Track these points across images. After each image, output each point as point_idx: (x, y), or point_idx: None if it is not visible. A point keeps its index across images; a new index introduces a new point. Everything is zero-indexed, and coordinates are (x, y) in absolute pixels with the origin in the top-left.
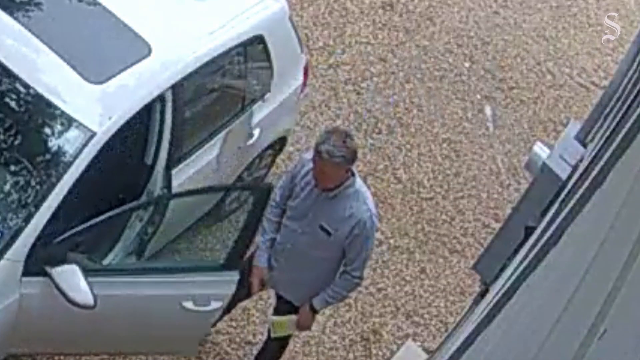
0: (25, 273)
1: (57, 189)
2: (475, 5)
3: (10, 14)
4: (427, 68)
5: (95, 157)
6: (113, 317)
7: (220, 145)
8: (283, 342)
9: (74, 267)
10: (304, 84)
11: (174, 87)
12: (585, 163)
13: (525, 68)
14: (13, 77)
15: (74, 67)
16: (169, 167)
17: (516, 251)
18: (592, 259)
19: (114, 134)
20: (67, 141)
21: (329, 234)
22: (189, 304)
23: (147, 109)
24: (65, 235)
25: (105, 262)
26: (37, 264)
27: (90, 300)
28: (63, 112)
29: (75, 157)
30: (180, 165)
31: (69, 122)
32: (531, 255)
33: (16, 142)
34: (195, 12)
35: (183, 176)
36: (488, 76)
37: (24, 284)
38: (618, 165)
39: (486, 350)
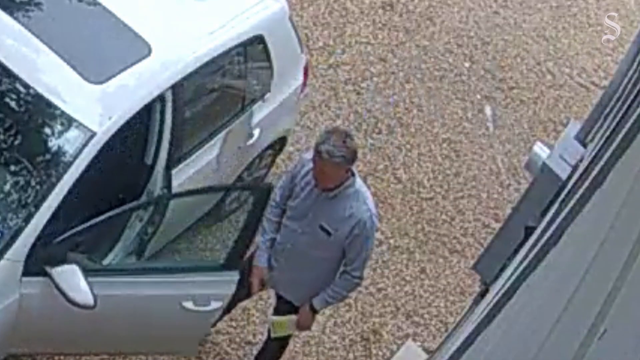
0: (25, 273)
1: (57, 189)
2: (475, 5)
3: (10, 14)
4: (427, 68)
5: (95, 157)
6: (113, 317)
7: (220, 145)
8: (283, 342)
9: (74, 267)
10: (304, 84)
11: (174, 87)
12: (585, 163)
13: (525, 68)
14: (13, 77)
15: (74, 67)
16: (169, 167)
17: (516, 251)
18: (592, 259)
19: (114, 134)
20: (67, 141)
21: (329, 234)
22: (189, 304)
23: (147, 109)
24: (65, 235)
25: (105, 262)
26: (37, 264)
27: (90, 300)
28: (63, 112)
29: (75, 157)
30: (180, 165)
31: (69, 122)
32: (531, 255)
33: (16, 142)
34: (195, 12)
35: (183, 176)
36: (488, 76)
37: (24, 284)
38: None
39: (486, 350)
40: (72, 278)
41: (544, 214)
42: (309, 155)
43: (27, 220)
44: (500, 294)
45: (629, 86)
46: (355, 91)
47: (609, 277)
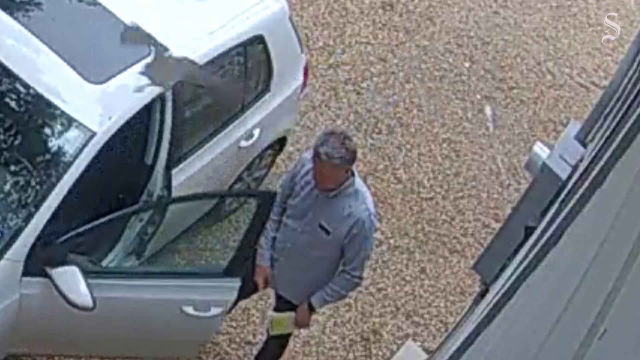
0: (25, 273)
1: (57, 189)
2: (475, 5)
3: (10, 14)
4: (427, 68)
5: (95, 157)
6: (113, 319)
7: (220, 145)
8: (283, 341)
9: (74, 269)
10: (304, 84)
11: (174, 87)
12: (585, 163)
13: (525, 68)
14: (13, 77)
15: (74, 67)
16: (169, 167)
17: (516, 251)
18: (592, 259)
19: (114, 134)
20: (67, 141)
21: (328, 233)
22: (189, 309)
23: (147, 109)
24: (66, 236)
25: (105, 262)
26: (37, 264)
27: (89, 302)
28: (63, 112)
29: (75, 157)
30: (180, 165)
31: (69, 122)
32: (531, 255)
33: (16, 142)
34: (195, 12)
35: (183, 176)
36: (488, 76)
37: (24, 284)
38: (618, 165)
39: (486, 350)
40: (72, 280)
41: (544, 214)
42: (309, 154)
43: (27, 220)
44: (500, 294)
45: (629, 86)
46: (355, 91)
47: (609, 277)
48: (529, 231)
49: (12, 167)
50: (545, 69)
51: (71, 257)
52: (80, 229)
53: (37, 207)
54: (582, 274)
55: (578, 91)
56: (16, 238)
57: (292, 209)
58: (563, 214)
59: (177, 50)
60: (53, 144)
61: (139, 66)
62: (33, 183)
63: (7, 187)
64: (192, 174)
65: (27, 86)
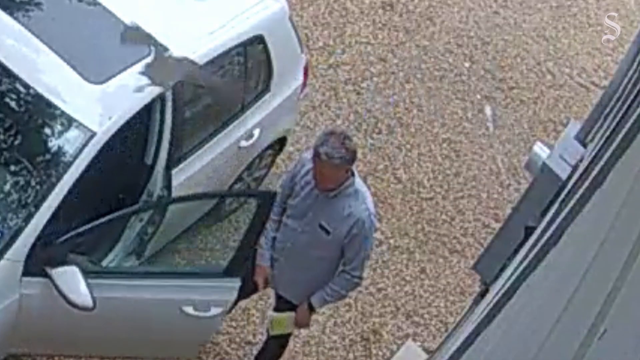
0: (25, 273)
1: (57, 189)
2: (475, 5)
3: (10, 14)
4: (427, 68)
5: (95, 157)
6: (113, 319)
7: (220, 145)
8: (283, 341)
9: (74, 269)
10: (304, 84)
11: (174, 87)
12: (585, 163)
13: (525, 68)
14: (13, 77)
15: (74, 67)
16: (169, 167)
17: (516, 251)
18: (592, 259)
19: (114, 134)
20: (67, 141)
21: (327, 232)
22: (189, 309)
23: (147, 109)
24: (66, 236)
25: (106, 262)
26: (37, 264)
27: (89, 302)
28: (63, 112)
29: (75, 157)
30: (180, 165)
31: (69, 122)
32: (531, 255)
33: (16, 142)
34: (195, 12)
35: (183, 176)
36: (488, 76)
37: (24, 284)
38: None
39: (486, 350)
40: (72, 280)
41: (544, 214)
42: (309, 154)
43: (27, 220)
44: (500, 294)
45: (629, 86)
46: (355, 91)
47: (609, 277)
48: (529, 231)
49: (12, 167)
50: (545, 69)
51: (71, 257)
52: (80, 229)
53: (37, 207)
54: (582, 274)
55: (578, 91)
56: (16, 238)
57: (292, 209)
58: (563, 214)
59: (177, 50)
60: (53, 144)
61: (139, 66)
62: (33, 183)
63: (7, 187)
64: (192, 174)
65: (27, 86)
